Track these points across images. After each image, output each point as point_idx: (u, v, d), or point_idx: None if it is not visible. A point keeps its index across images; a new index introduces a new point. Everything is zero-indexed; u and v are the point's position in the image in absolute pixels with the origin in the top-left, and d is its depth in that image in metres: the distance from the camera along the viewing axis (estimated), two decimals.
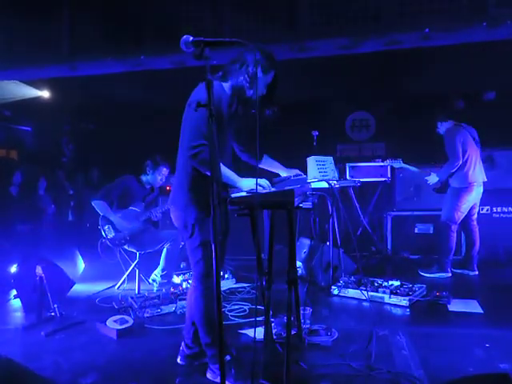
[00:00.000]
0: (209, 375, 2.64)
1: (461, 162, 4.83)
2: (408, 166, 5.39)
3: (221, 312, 1.84)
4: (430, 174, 5.13)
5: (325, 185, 3.76)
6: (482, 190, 4.98)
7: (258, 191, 2.27)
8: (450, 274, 4.95)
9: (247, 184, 2.46)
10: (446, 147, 4.94)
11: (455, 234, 4.96)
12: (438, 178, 5.04)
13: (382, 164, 5.88)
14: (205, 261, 2.53)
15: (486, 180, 5.02)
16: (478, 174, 4.93)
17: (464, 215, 4.94)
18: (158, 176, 4.78)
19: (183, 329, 2.86)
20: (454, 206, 4.90)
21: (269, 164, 2.91)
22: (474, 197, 4.92)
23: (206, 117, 2.34)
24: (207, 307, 2.57)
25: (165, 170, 4.79)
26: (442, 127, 5.08)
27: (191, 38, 1.84)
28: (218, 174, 1.80)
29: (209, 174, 2.34)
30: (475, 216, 5.08)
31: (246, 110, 2.60)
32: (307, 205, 2.57)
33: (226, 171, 2.46)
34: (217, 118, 2.35)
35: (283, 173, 2.90)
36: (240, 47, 2.01)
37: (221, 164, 2.37)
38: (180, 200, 2.57)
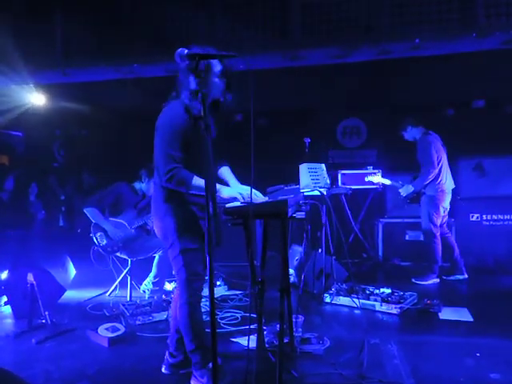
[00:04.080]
0: (192, 382, 2.64)
1: (437, 171, 4.89)
2: (384, 181, 5.44)
3: (214, 320, 1.84)
4: (402, 186, 5.17)
5: (317, 192, 3.80)
6: (450, 197, 5.09)
7: (253, 201, 2.29)
8: (438, 280, 5.01)
9: (228, 192, 2.53)
10: (420, 155, 4.99)
11: (440, 240, 5.02)
12: (413, 189, 5.06)
13: (372, 172, 5.92)
14: (186, 268, 2.55)
15: (454, 187, 5.13)
16: (449, 181, 5.06)
17: (441, 218, 5.02)
18: (152, 184, 4.76)
19: (168, 337, 2.86)
20: (431, 212, 4.97)
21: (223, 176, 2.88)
22: (446, 202, 5.03)
23: (170, 138, 2.43)
24: (192, 314, 2.59)
25: None
26: (412, 132, 5.11)
27: (186, 51, 1.85)
28: (212, 186, 1.80)
29: (191, 191, 2.44)
30: (445, 224, 5.18)
31: (213, 114, 2.59)
32: (301, 215, 2.60)
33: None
34: (186, 134, 2.46)
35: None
36: (234, 59, 2.02)
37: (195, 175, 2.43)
38: (157, 212, 2.64)
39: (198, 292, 2.62)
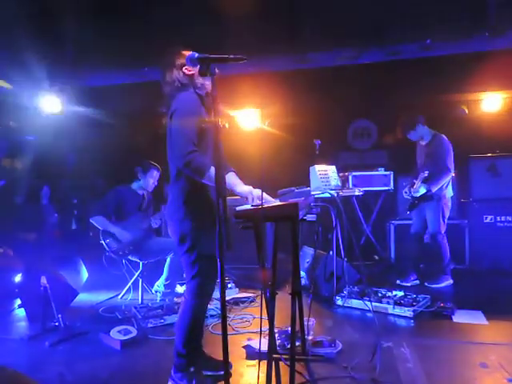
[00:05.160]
0: None
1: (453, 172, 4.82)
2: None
3: (225, 323, 1.83)
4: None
5: (328, 194, 3.78)
6: None
7: (263, 204, 2.28)
8: (452, 281, 4.95)
9: (242, 189, 2.53)
10: (437, 156, 4.83)
11: (446, 240, 4.95)
12: (425, 190, 4.82)
13: (385, 173, 5.87)
14: (201, 276, 2.52)
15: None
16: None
17: None
18: (150, 179, 4.79)
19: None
20: (443, 215, 4.90)
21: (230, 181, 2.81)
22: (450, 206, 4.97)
23: (188, 121, 2.40)
24: (194, 321, 2.58)
25: (156, 173, 4.80)
26: (421, 131, 4.96)
27: (197, 55, 1.86)
28: (222, 189, 1.79)
29: (205, 181, 2.40)
30: None
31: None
32: (311, 217, 2.58)
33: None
34: (201, 123, 2.44)
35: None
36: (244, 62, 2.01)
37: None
38: (175, 214, 2.56)
39: (207, 299, 2.62)
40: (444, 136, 4.93)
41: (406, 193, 5.10)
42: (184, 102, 2.49)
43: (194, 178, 2.42)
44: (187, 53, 2.47)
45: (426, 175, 4.72)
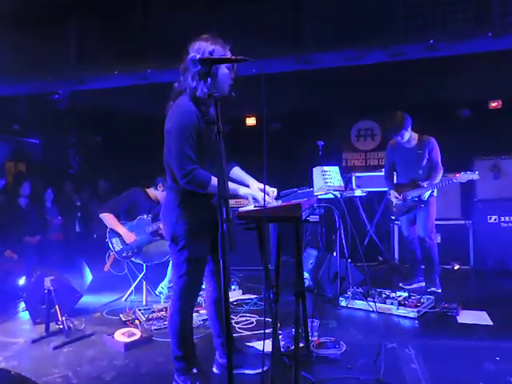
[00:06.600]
0: None
1: None
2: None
3: (229, 325, 1.83)
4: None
5: (331, 195, 3.78)
6: None
7: (266, 205, 2.28)
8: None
9: (244, 191, 2.52)
10: (433, 157, 4.72)
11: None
12: (430, 191, 4.71)
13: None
14: (188, 276, 2.51)
15: None
16: None
17: None
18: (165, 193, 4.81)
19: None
20: (434, 217, 4.80)
21: (237, 176, 2.78)
22: None
23: (185, 137, 2.34)
24: (183, 322, 2.58)
25: None
26: (410, 132, 4.77)
27: (198, 56, 1.86)
28: (225, 190, 1.79)
29: (209, 192, 2.39)
30: None
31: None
32: (314, 218, 2.58)
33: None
34: (199, 132, 2.39)
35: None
36: (246, 63, 2.01)
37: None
38: (170, 215, 2.54)
39: (192, 301, 2.62)
40: (431, 142, 4.83)
41: (396, 198, 4.92)
42: (179, 117, 2.40)
43: (197, 191, 2.42)
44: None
45: (473, 177, 4.51)
